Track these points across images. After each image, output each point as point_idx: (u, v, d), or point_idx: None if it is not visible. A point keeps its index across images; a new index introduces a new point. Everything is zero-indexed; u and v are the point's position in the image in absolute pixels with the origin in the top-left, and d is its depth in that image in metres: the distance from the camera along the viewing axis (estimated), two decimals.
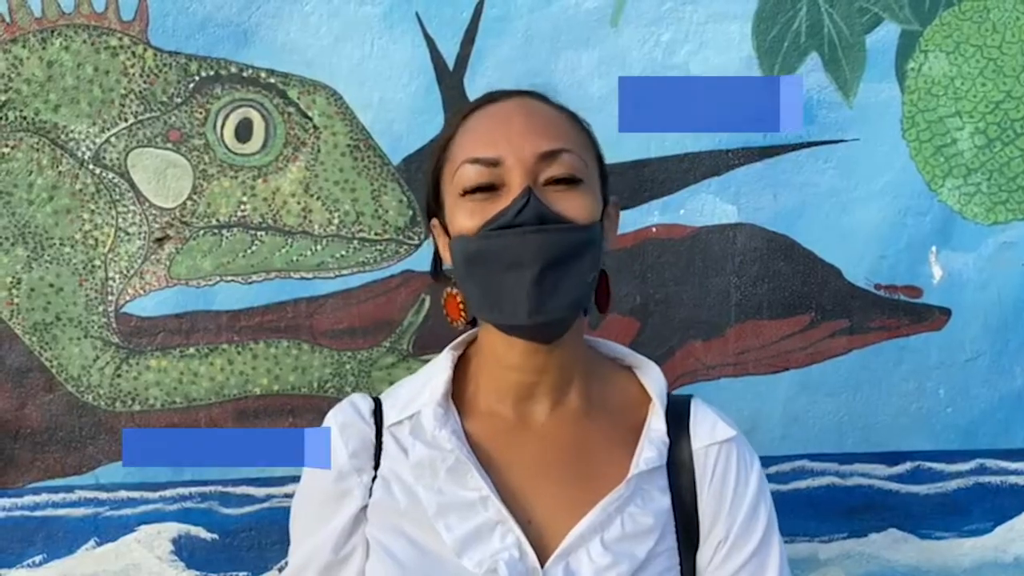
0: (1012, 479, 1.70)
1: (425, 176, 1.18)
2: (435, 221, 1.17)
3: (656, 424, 1.15)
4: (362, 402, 1.19)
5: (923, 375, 1.68)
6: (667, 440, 1.14)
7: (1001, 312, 1.68)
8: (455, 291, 1.15)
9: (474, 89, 1.57)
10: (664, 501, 1.13)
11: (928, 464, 1.69)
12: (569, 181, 1.08)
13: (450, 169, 1.12)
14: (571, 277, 1.07)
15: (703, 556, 1.15)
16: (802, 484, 1.67)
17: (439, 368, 1.17)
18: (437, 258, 1.20)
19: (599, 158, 1.15)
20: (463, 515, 1.10)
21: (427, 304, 1.60)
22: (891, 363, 1.67)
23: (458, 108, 1.18)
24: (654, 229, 1.63)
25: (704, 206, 1.63)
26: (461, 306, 1.15)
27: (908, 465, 1.69)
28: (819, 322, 1.66)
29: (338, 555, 1.15)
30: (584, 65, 1.60)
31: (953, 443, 1.69)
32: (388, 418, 1.16)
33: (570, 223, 1.06)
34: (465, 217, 1.08)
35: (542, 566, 1.08)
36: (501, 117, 1.11)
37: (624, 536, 1.10)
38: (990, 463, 1.70)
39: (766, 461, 1.64)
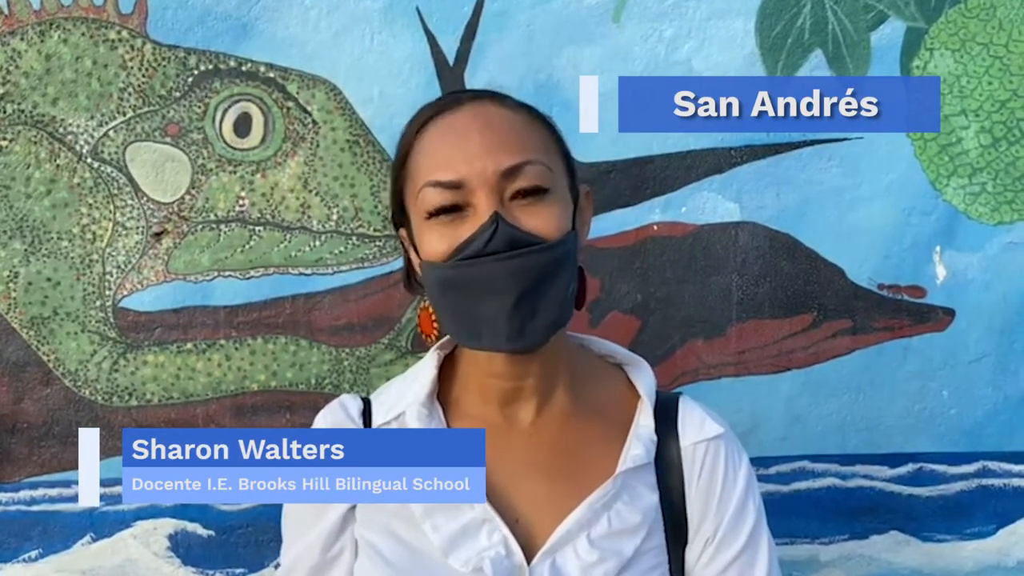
0: (1016, 482, 1.68)
1: (389, 189, 1.16)
2: (403, 232, 1.15)
3: (644, 421, 1.14)
4: (351, 403, 1.18)
5: (927, 376, 1.66)
6: (655, 437, 1.13)
7: (1006, 313, 1.66)
8: (428, 305, 1.14)
9: (474, 84, 1.56)
10: (652, 498, 1.13)
11: (931, 466, 1.68)
12: (535, 193, 1.05)
13: (412, 188, 1.09)
14: (549, 297, 1.05)
15: (691, 554, 1.14)
16: (803, 485, 1.66)
17: (424, 368, 1.16)
18: (408, 268, 1.18)
19: (565, 154, 1.12)
20: (449, 515, 1.09)
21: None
22: (894, 364, 1.66)
23: (414, 115, 1.13)
24: (655, 227, 1.62)
25: (706, 204, 1.62)
26: (434, 323, 1.14)
27: (911, 467, 1.68)
28: (821, 322, 1.65)
29: (326, 556, 1.14)
30: (586, 61, 1.58)
31: (957, 445, 1.67)
32: (376, 419, 1.16)
33: (542, 242, 1.04)
34: (433, 241, 1.06)
35: (529, 564, 1.07)
36: (458, 132, 1.07)
37: (611, 533, 1.09)
38: (994, 465, 1.68)
39: (767, 461, 1.65)
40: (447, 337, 1.18)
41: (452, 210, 1.05)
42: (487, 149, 1.05)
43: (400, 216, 1.14)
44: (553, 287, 1.05)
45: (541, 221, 1.04)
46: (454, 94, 1.14)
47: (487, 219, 1.03)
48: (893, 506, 1.68)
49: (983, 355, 1.67)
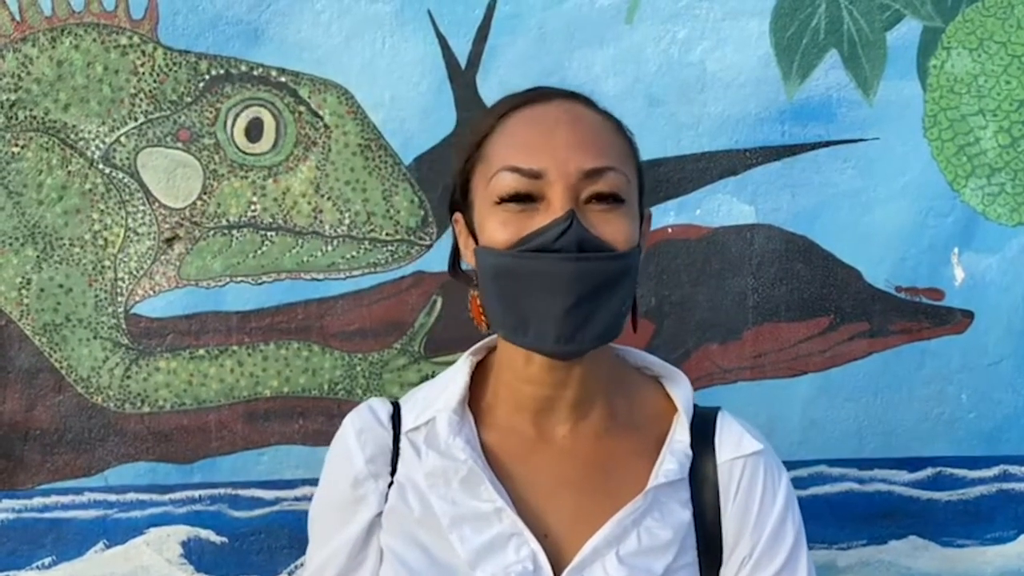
0: None
1: (453, 169, 1.13)
2: (458, 216, 1.12)
3: (680, 436, 1.12)
4: (380, 407, 1.16)
5: (945, 379, 1.65)
6: (690, 453, 1.11)
7: None
8: (478, 295, 1.11)
9: (486, 87, 1.55)
10: (684, 515, 1.10)
11: (950, 470, 1.66)
12: (612, 200, 1.03)
13: (484, 171, 1.06)
14: (606, 307, 1.03)
15: (727, 574, 1.11)
16: (821, 490, 1.65)
17: (456, 374, 1.14)
18: (456, 254, 1.16)
19: (639, 170, 1.10)
20: (477, 527, 1.07)
21: (439, 305, 1.58)
22: (912, 367, 1.64)
23: (497, 103, 1.11)
24: (670, 229, 1.61)
25: (721, 206, 1.61)
26: (483, 313, 1.11)
27: (929, 471, 1.66)
28: (838, 325, 1.63)
29: (353, 561, 1.13)
30: (598, 63, 1.57)
31: (976, 449, 1.66)
32: (406, 423, 1.14)
33: (611, 250, 1.02)
34: (497, 227, 1.03)
35: None
36: (545, 124, 1.05)
37: (640, 550, 1.07)
38: (1014, 469, 1.67)
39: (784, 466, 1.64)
40: (481, 343, 1.17)
41: (524, 199, 1.02)
42: (573, 145, 1.02)
43: (460, 200, 1.11)
44: (612, 298, 1.03)
45: (613, 230, 1.02)
46: (543, 89, 1.12)
47: (562, 215, 1.00)
48: (912, 511, 1.66)
49: (1002, 358, 1.65)
